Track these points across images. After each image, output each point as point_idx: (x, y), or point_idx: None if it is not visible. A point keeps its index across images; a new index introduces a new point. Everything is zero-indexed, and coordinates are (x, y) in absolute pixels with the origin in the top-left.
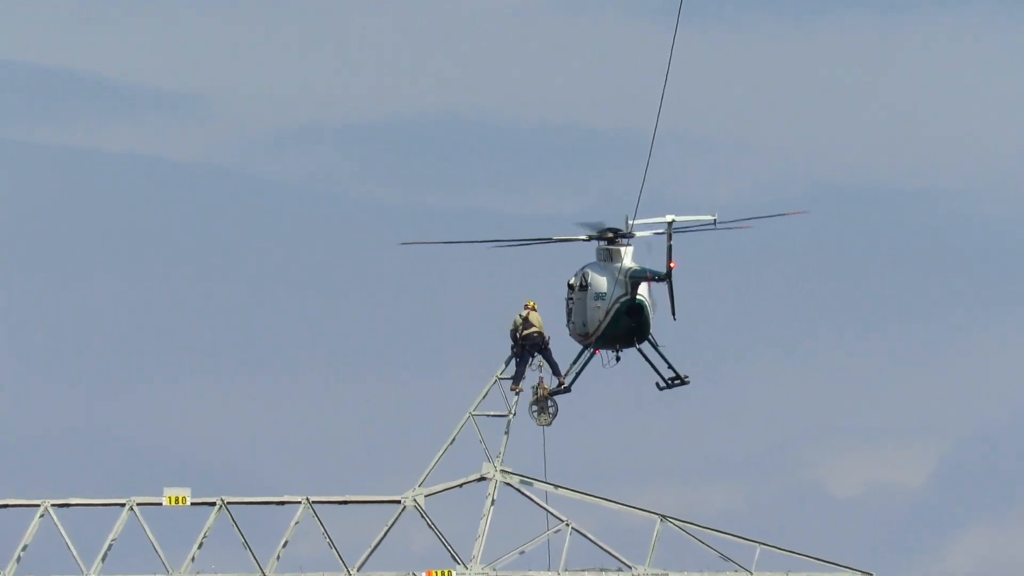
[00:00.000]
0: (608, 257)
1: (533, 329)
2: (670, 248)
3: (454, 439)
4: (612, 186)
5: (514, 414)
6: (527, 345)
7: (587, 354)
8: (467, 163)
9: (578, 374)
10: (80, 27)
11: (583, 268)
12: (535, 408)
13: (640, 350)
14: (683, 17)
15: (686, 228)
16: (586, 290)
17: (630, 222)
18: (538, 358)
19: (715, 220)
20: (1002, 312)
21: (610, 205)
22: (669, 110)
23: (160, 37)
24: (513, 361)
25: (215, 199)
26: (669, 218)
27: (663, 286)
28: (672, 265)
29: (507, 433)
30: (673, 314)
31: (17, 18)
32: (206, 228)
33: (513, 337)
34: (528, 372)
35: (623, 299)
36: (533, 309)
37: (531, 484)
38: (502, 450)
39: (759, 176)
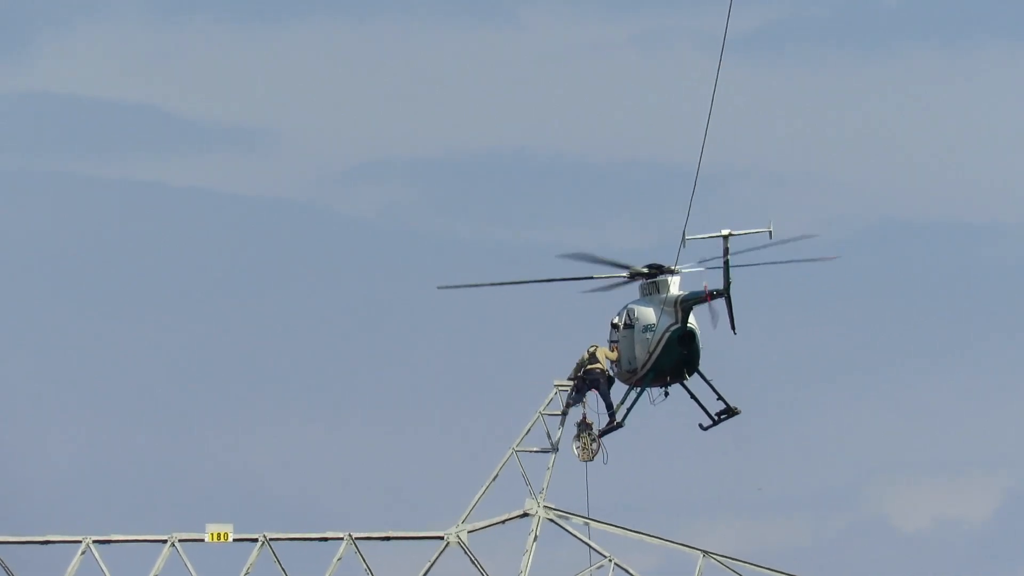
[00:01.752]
0: (654, 290)
1: (597, 365)
2: (727, 262)
3: (497, 475)
4: (682, 220)
5: (557, 450)
6: (588, 379)
7: (635, 392)
8: (538, 198)
9: (629, 409)
10: (149, 63)
11: (627, 306)
12: (578, 444)
13: (687, 387)
14: (753, 54)
15: (739, 262)
16: (632, 327)
17: (685, 238)
18: (584, 396)
19: (771, 232)
20: None
21: (678, 238)
22: (739, 146)
23: (228, 72)
24: (569, 392)
25: (284, 234)
26: (725, 232)
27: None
28: (709, 298)
29: (550, 469)
30: (733, 328)
31: (87, 53)
32: (270, 263)
33: (576, 372)
34: (573, 410)
35: (674, 328)
36: (598, 348)
37: (573, 520)
38: (545, 486)
39: (829, 210)
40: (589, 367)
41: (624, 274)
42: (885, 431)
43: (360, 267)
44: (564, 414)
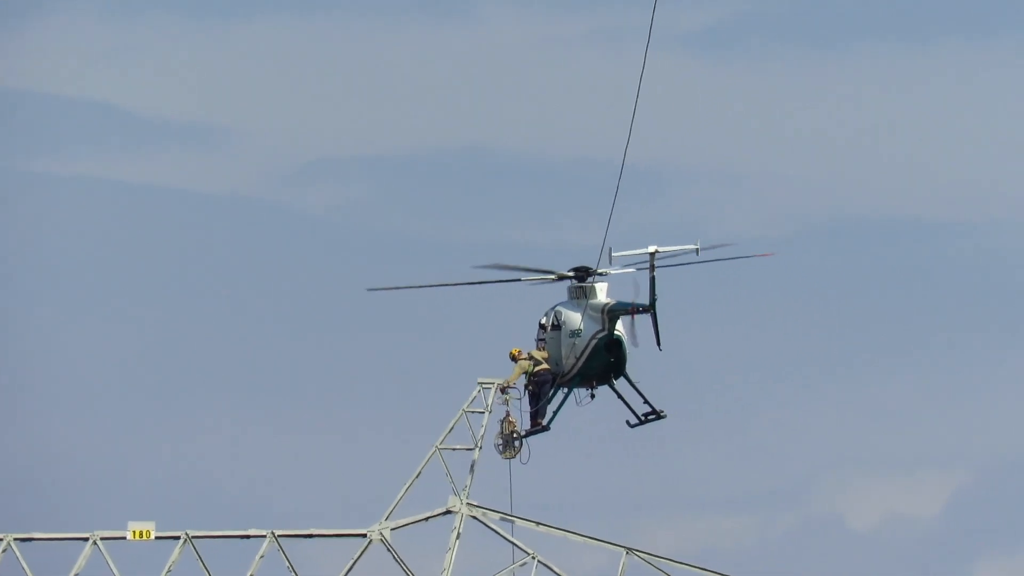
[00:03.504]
0: (581, 294)
1: (543, 367)
2: (653, 279)
3: (420, 472)
4: (637, 219)
5: (480, 448)
6: (540, 382)
7: (562, 393)
8: (491, 195)
9: (555, 412)
10: (100, 59)
11: (555, 307)
12: (500, 442)
13: (613, 387)
14: (708, 50)
15: (681, 262)
16: (559, 329)
17: (612, 255)
18: (507, 394)
19: (697, 249)
20: (1021, 344)
21: (635, 237)
22: (696, 144)
23: (180, 69)
24: (527, 401)
25: (235, 230)
26: (652, 248)
27: (641, 321)
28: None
29: (473, 467)
30: (658, 345)
31: (38, 49)
32: (217, 258)
33: (511, 382)
34: (496, 406)
35: (600, 335)
36: (525, 355)
37: (497, 517)
38: (468, 484)
39: (784, 207)
40: (537, 370)
41: (551, 276)
42: (837, 429)
43: (309, 265)
44: (536, 415)
